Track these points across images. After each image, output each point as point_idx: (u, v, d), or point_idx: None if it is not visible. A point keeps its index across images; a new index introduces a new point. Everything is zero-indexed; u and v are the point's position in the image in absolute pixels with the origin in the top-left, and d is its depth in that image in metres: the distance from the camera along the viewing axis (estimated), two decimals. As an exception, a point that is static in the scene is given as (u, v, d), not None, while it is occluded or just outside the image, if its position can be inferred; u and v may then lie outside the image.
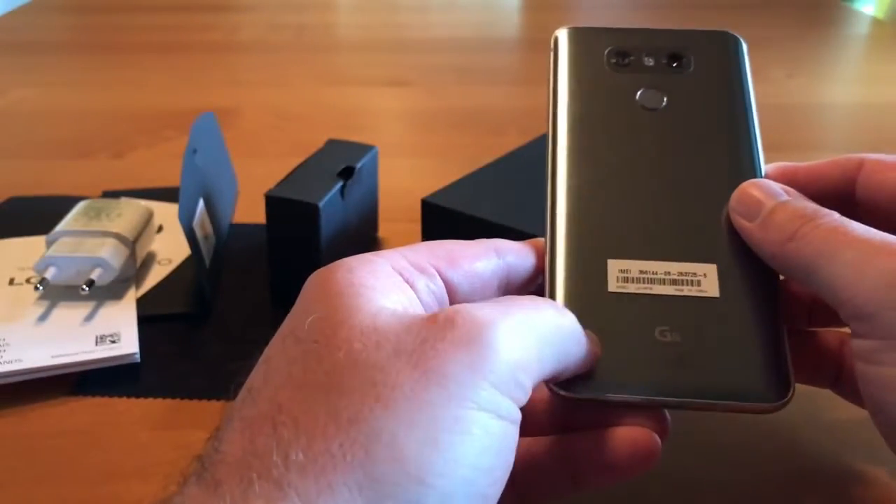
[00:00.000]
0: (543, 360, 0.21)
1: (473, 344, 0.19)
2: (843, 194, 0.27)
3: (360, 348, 0.20)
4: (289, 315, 0.22)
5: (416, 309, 0.22)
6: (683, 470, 0.31)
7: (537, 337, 0.21)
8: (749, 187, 0.26)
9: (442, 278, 0.24)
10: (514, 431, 0.20)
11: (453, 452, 0.18)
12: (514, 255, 0.26)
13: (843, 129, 0.74)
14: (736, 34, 0.31)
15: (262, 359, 0.21)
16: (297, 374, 0.20)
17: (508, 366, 0.20)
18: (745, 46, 0.31)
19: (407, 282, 0.23)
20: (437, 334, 0.20)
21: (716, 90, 0.30)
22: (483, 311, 0.20)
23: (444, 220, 0.43)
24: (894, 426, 0.22)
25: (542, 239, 0.27)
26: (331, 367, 0.19)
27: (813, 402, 0.33)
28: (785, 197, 0.26)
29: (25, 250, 0.45)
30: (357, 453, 0.18)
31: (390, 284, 0.22)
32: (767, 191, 0.26)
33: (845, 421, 0.34)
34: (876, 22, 1.12)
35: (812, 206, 0.25)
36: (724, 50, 0.31)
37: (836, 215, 0.24)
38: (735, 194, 0.27)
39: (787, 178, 0.28)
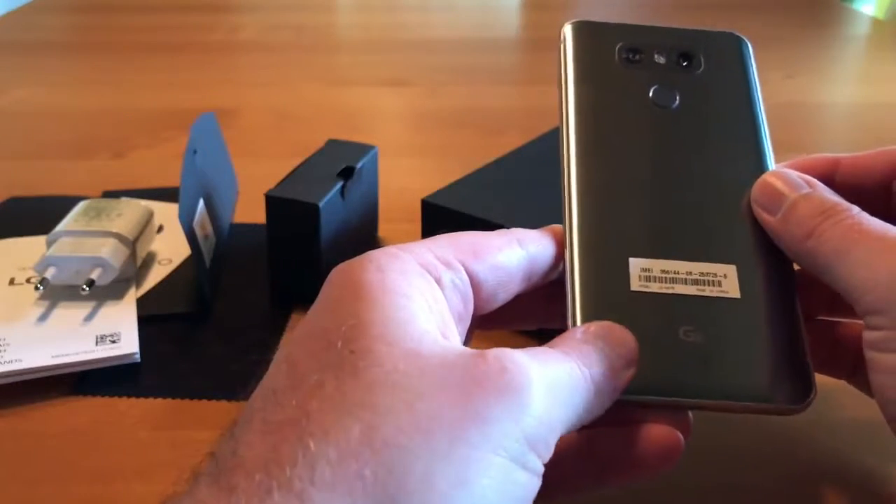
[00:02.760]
0: (574, 421, 0.21)
1: (520, 395, 0.19)
2: (887, 186, 0.27)
3: (403, 370, 0.19)
4: (312, 311, 0.22)
5: (442, 307, 0.22)
6: (690, 473, 0.31)
7: (576, 403, 0.21)
8: (771, 178, 0.26)
9: (467, 272, 0.24)
10: (537, 485, 0.20)
11: (481, 495, 0.18)
12: (536, 245, 0.26)
13: (843, 129, 0.74)
14: (742, 35, 0.32)
15: (283, 356, 0.21)
16: (329, 382, 0.19)
17: (543, 426, 0.20)
18: (751, 48, 0.31)
19: (433, 277, 0.23)
20: (486, 376, 0.19)
21: (726, 90, 0.30)
22: (531, 366, 0.20)
23: (444, 220, 0.43)
24: None
25: (559, 226, 0.27)
26: (369, 383, 0.19)
27: (824, 402, 0.33)
28: (807, 189, 0.26)
29: (25, 250, 0.45)
30: (388, 480, 0.17)
31: (422, 285, 0.22)
32: (789, 182, 0.26)
33: (856, 420, 0.34)
34: (876, 22, 1.12)
35: (832, 201, 0.25)
36: (731, 51, 0.31)
37: (854, 210, 0.24)
38: (757, 185, 0.26)
39: (829, 169, 0.27)
